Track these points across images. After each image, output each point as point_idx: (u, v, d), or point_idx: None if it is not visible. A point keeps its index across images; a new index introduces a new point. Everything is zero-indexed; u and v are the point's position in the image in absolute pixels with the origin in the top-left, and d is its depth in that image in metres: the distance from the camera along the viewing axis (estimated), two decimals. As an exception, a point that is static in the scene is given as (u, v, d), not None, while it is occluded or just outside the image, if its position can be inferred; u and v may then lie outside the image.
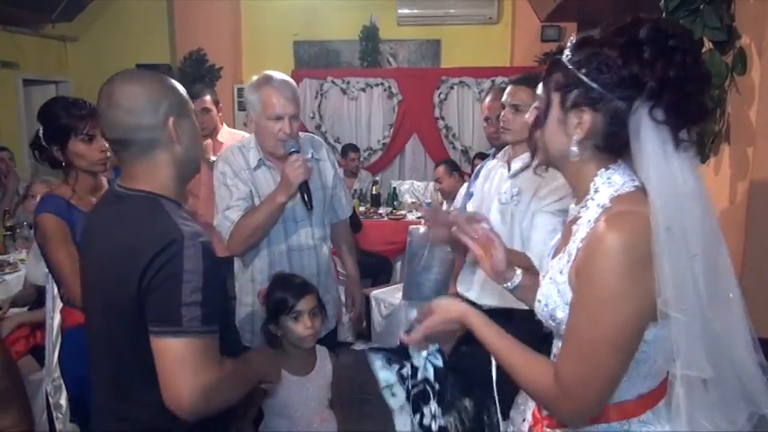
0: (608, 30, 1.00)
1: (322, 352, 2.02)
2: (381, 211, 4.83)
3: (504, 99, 2.14)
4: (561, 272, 1.05)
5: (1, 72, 5.95)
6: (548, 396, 1.04)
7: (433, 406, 1.32)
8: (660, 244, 0.92)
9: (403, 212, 4.79)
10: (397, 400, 1.41)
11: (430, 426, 1.32)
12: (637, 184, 1.02)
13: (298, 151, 2.03)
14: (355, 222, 4.09)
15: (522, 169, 2.06)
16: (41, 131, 2.01)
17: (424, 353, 1.33)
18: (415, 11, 6.34)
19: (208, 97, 3.18)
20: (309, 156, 2.16)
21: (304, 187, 1.99)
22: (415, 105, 6.13)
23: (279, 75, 2.09)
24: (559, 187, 1.93)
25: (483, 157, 3.34)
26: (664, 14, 1.91)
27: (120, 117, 1.27)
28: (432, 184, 5.67)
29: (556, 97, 1.05)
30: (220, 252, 1.68)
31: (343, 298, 4.12)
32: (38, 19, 6.09)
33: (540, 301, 1.10)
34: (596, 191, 1.04)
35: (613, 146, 1.02)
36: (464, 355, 1.32)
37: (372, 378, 1.38)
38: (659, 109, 0.95)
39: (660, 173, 0.95)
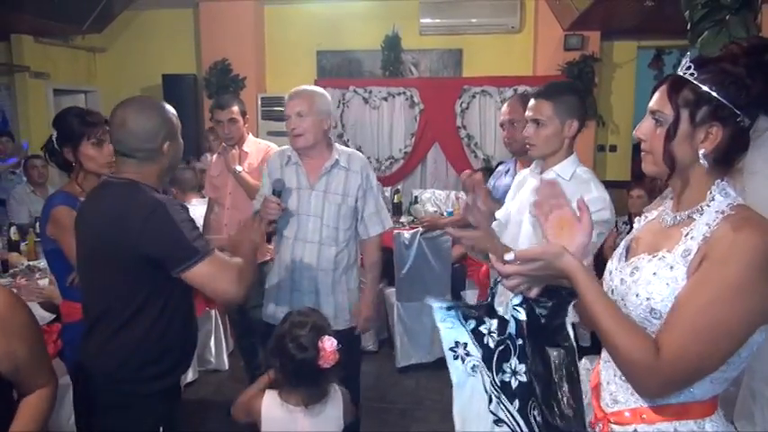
0: (731, 50, 1.09)
1: (336, 392, 1.94)
2: (403, 219, 4.83)
3: (526, 114, 2.14)
4: (672, 267, 1.10)
5: (33, 82, 6.12)
6: (642, 365, 1.06)
7: (514, 362, 1.31)
8: None
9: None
10: (466, 363, 1.40)
11: (509, 382, 1.32)
12: (741, 199, 1.10)
13: (280, 192, 2.31)
14: None
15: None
16: (55, 136, 2.23)
17: (512, 303, 1.29)
18: (438, 20, 6.35)
19: (235, 108, 3.23)
20: (333, 162, 2.41)
21: (269, 224, 2.27)
22: (436, 115, 6.14)
23: (307, 87, 2.45)
24: (595, 199, 1.92)
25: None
26: (689, 25, 1.89)
27: (128, 139, 1.72)
28: (453, 193, 5.66)
29: (684, 113, 1.11)
30: None
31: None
32: (69, 30, 6.26)
33: (638, 296, 1.14)
34: (713, 199, 1.11)
35: (731, 159, 1.11)
36: (547, 308, 1.26)
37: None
38: None
39: None
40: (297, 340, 1.77)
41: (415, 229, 4.14)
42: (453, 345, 1.51)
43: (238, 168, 3.15)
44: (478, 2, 6.25)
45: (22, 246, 3.75)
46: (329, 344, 1.75)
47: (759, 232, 1.02)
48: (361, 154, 2.55)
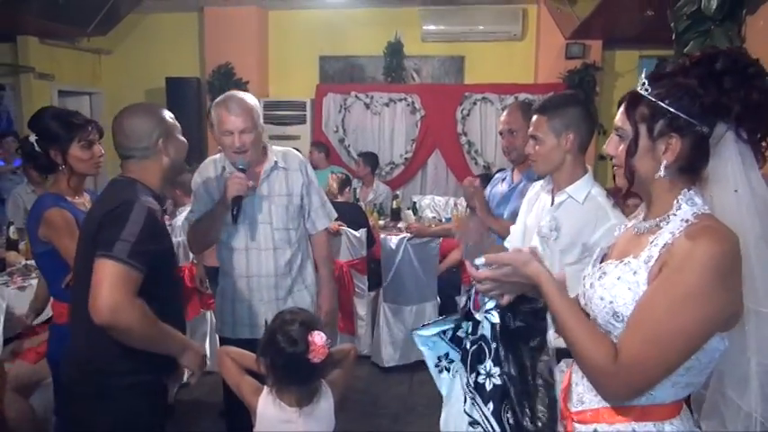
0: (683, 63, 1.12)
1: (326, 389, 1.93)
2: (401, 225, 4.84)
3: (529, 130, 2.13)
4: (635, 272, 1.13)
5: (38, 83, 6.18)
6: (603, 369, 1.10)
7: (489, 364, 1.32)
8: (749, 250, 1.05)
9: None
10: (451, 370, 1.43)
11: (484, 384, 1.33)
12: (708, 208, 1.12)
13: (245, 169, 2.22)
14: (369, 238, 4.15)
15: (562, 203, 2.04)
16: (34, 138, 2.20)
17: (486, 307, 1.32)
18: (440, 27, 6.39)
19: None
20: (272, 165, 2.36)
21: (235, 201, 2.20)
22: (437, 121, 6.17)
23: (237, 94, 2.31)
24: (614, 227, 1.89)
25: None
26: (673, 36, 1.91)
27: (124, 140, 1.82)
28: (452, 199, 5.68)
29: (642, 128, 1.15)
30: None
31: (359, 311, 4.18)
32: (74, 32, 6.33)
33: (602, 299, 1.17)
34: (679, 208, 1.14)
35: (696, 167, 1.13)
36: (523, 313, 1.28)
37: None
38: (742, 129, 1.08)
39: (747, 186, 1.08)
40: (287, 334, 1.77)
41: (401, 235, 4.19)
42: (437, 361, 1.54)
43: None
44: (481, 9, 6.29)
45: (21, 245, 3.78)
46: (319, 338, 1.75)
47: (716, 241, 1.04)
48: (295, 151, 2.51)
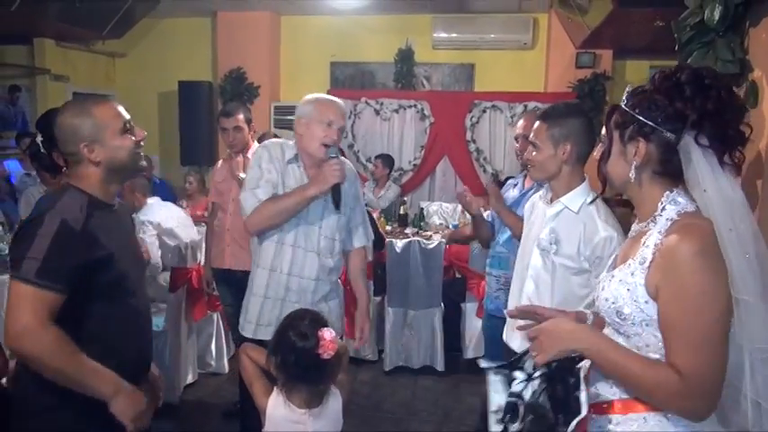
0: (656, 77, 1.24)
1: (335, 390, 1.95)
2: (408, 231, 4.86)
3: (530, 136, 2.15)
4: (633, 274, 1.23)
5: (53, 85, 6.28)
6: (675, 393, 1.14)
7: (516, 427, 1.31)
8: (725, 242, 1.14)
9: (429, 233, 4.81)
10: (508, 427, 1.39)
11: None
12: (696, 205, 1.21)
13: (337, 157, 2.24)
14: (378, 240, 4.17)
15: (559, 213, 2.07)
16: (40, 139, 2.21)
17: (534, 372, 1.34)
18: (451, 35, 6.41)
19: (240, 116, 3.29)
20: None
21: (336, 189, 2.21)
22: (446, 128, 6.18)
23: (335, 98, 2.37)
24: (603, 240, 1.93)
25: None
26: (677, 47, 1.92)
27: (58, 143, 1.68)
28: (460, 206, 5.68)
29: (616, 134, 1.28)
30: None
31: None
32: (90, 36, 6.43)
33: (607, 300, 1.27)
34: (663, 208, 1.24)
35: (669, 170, 1.23)
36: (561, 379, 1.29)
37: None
38: (703, 136, 1.16)
39: (714, 187, 1.17)
40: (297, 329, 1.80)
41: (407, 239, 4.21)
42: (495, 409, 1.52)
43: (242, 176, 3.21)
44: (492, 18, 6.31)
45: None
46: (328, 334, 1.79)
47: (696, 237, 1.15)
48: (349, 162, 2.52)
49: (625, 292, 1.23)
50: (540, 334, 1.30)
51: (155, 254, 3.59)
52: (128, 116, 1.69)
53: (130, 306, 1.71)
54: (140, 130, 1.73)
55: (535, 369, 1.31)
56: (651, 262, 1.20)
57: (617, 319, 1.25)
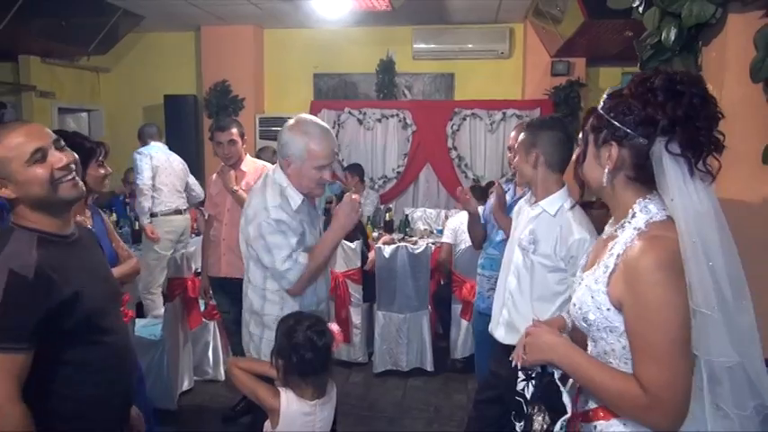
0: (634, 80, 1.23)
1: (330, 380, 2.10)
2: (394, 237, 5.00)
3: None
4: (596, 281, 1.24)
5: (39, 101, 6.33)
6: (639, 405, 1.16)
7: (519, 425, 1.39)
8: (687, 253, 1.13)
9: (415, 239, 4.97)
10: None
11: None
12: (668, 213, 1.21)
13: (343, 192, 2.28)
14: (364, 254, 4.34)
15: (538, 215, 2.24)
16: None
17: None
18: (431, 46, 6.61)
19: (234, 130, 3.42)
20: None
21: (358, 227, 2.26)
22: (428, 136, 6.37)
23: (320, 123, 2.18)
24: (577, 242, 2.09)
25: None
26: (638, 63, 2.11)
27: None
28: (443, 211, 5.87)
29: (591, 137, 1.28)
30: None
31: (354, 320, 4.33)
32: (75, 52, 6.47)
33: (574, 305, 1.30)
34: (633, 216, 1.24)
35: (642, 176, 1.22)
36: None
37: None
38: (674, 143, 1.15)
39: (682, 195, 1.15)
40: (312, 328, 1.95)
41: (394, 245, 4.37)
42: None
43: (235, 188, 3.34)
44: (470, 29, 6.53)
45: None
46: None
47: (660, 251, 1.15)
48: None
49: (590, 299, 1.25)
50: (527, 337, 1.36)
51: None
52: (42, 142, 1.43)
53: (107, 346, 1.53)
54: (63, 155, 1.46)
55: (533, 369, 1.39)
56: (613, 272, 1.21)
57: (584, 324, 1.28)
